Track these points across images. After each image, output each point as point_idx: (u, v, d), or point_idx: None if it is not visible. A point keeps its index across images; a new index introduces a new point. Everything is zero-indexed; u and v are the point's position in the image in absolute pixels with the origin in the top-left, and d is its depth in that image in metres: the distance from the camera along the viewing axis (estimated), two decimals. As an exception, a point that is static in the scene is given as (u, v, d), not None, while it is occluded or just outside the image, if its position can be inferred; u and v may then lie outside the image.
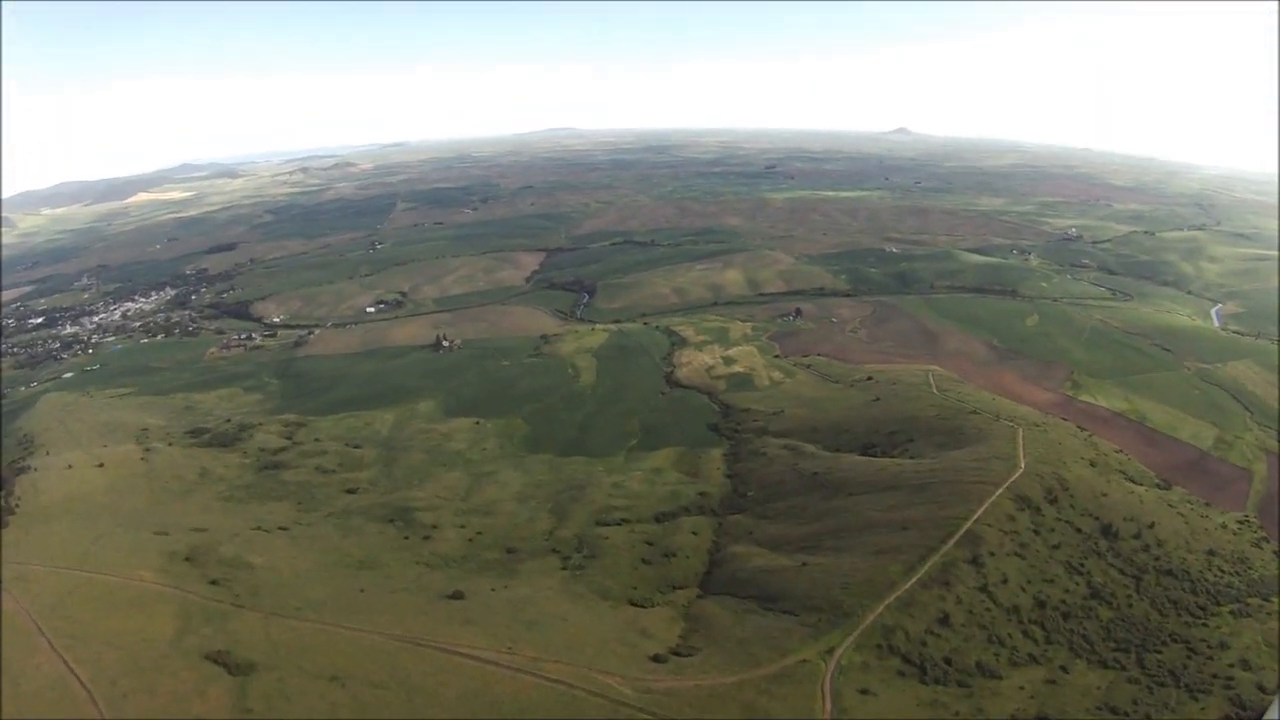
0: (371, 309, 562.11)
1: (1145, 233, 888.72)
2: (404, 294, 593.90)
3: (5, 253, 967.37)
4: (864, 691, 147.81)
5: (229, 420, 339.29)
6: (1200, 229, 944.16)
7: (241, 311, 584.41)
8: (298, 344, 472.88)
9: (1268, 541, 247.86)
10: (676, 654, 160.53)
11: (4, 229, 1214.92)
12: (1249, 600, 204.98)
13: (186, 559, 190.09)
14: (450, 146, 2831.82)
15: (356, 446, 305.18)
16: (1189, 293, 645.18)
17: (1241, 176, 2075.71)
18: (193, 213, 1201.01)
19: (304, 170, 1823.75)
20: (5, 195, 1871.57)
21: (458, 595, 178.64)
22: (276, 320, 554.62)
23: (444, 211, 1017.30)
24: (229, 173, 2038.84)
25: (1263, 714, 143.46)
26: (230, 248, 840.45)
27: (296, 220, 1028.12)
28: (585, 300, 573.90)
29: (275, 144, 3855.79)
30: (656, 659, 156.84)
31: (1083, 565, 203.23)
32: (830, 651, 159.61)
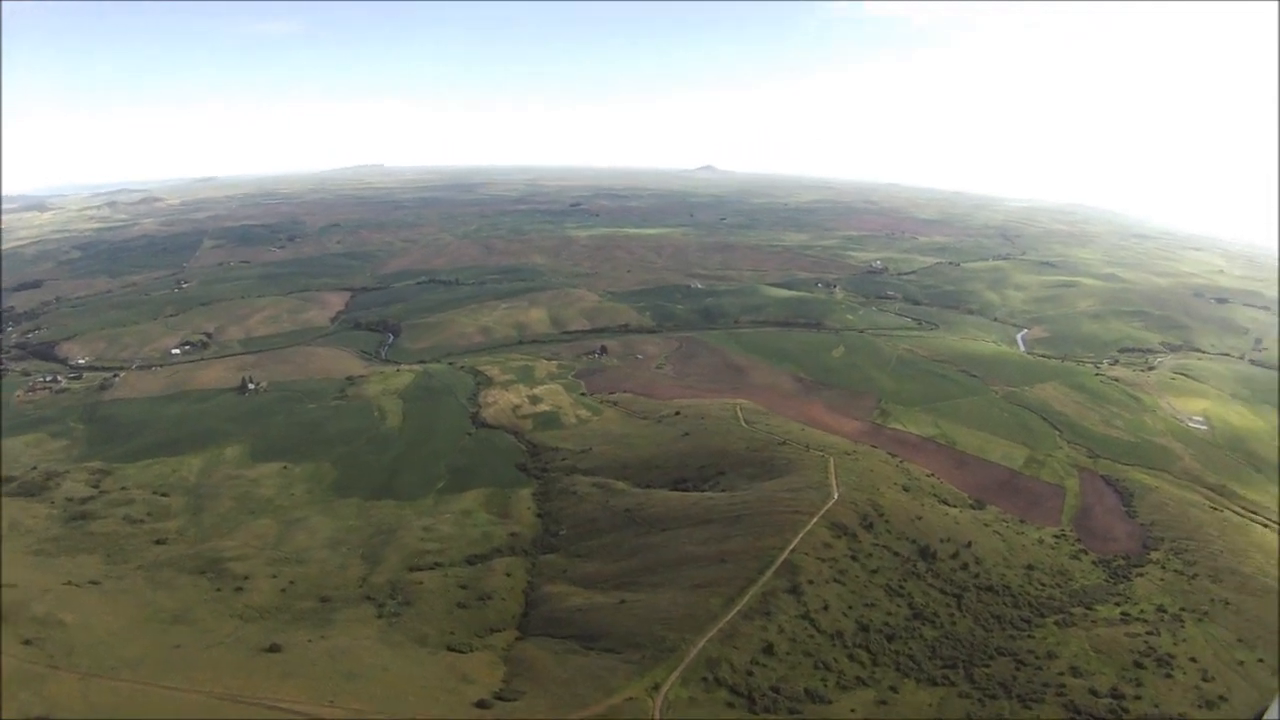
0: (177, 350, 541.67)
1: (950, 264, 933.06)
2: (210, 335, 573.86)
3: None
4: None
5: (35, 468, 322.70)
6: (1005, 259, 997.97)
7: (47, 352, 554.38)
8: (103, 387, 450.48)
9: (1086, 553, 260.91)
10: (501, 699, 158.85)
11: None
12: (1072, 610, 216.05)
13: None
14: (258, 182, 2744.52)
15: (164, 494, 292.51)
16: (994, 320, 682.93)
17: (1045, 207, 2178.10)
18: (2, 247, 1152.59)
19: (111, 205, 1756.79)
20: None
21: (275, 648, 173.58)
22: (82, 361, 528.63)
23: (251, 249, 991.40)
24: (39, 205, 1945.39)
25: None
26: (36, 285, 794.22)
27: (103, 257, 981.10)
28: (390, 341, 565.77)
29: (85, 176, 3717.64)
30: (481, 705, 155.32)
31: (903, 587, 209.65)
32: (656, 687, 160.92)
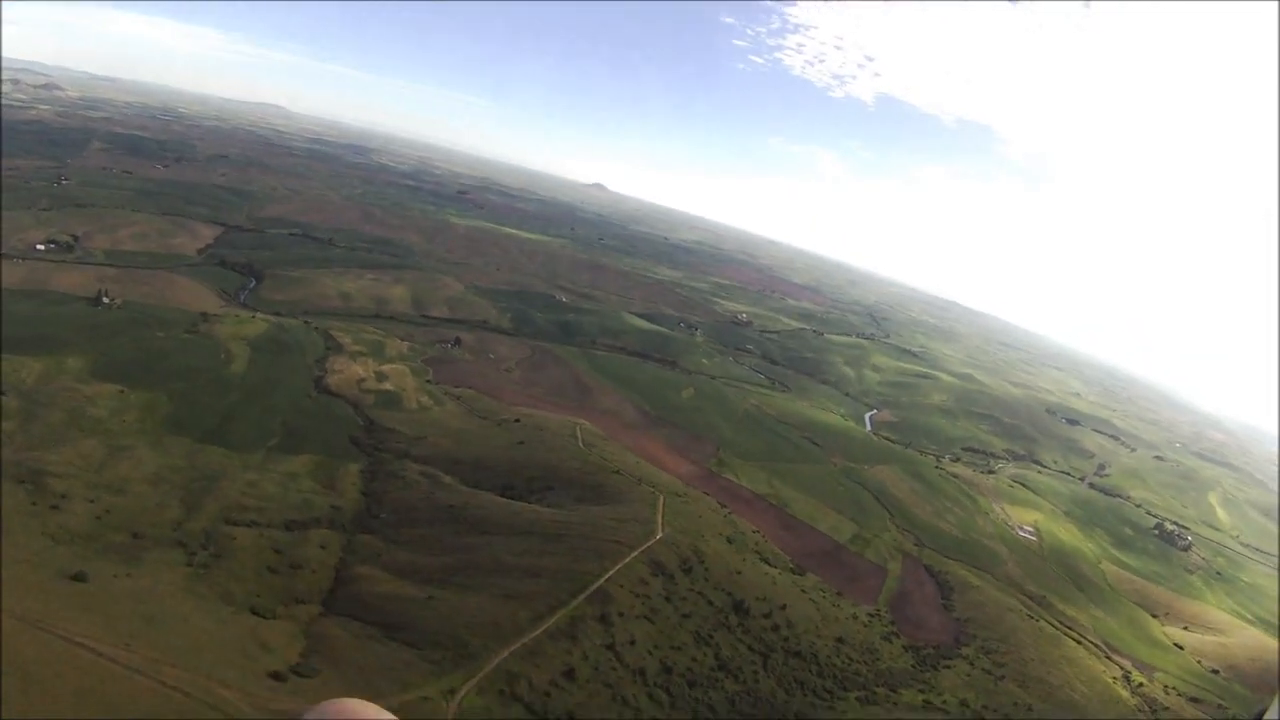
0: (41, 246, 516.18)
1: (814, 331, 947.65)
2: (77, 238, 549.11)
3: None
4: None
5: None
6: (869, 338, 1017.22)
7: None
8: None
9: (897, 636, 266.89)
10: (296, 673, 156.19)
11: None
12: (876, 689, 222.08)
13: None
14: (159, 93, 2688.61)
15: (1, 392, 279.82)
16: (847, 395, 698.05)
17: (919, 297, 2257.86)
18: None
19: (14, 83, 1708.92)
20: None
21: (80, 577, 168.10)
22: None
23: (136, 161, 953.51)
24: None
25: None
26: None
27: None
28: (252, 285, 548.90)
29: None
30: (276, 676, 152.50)
31: (712, 637, 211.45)
32: (452, 692, 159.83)
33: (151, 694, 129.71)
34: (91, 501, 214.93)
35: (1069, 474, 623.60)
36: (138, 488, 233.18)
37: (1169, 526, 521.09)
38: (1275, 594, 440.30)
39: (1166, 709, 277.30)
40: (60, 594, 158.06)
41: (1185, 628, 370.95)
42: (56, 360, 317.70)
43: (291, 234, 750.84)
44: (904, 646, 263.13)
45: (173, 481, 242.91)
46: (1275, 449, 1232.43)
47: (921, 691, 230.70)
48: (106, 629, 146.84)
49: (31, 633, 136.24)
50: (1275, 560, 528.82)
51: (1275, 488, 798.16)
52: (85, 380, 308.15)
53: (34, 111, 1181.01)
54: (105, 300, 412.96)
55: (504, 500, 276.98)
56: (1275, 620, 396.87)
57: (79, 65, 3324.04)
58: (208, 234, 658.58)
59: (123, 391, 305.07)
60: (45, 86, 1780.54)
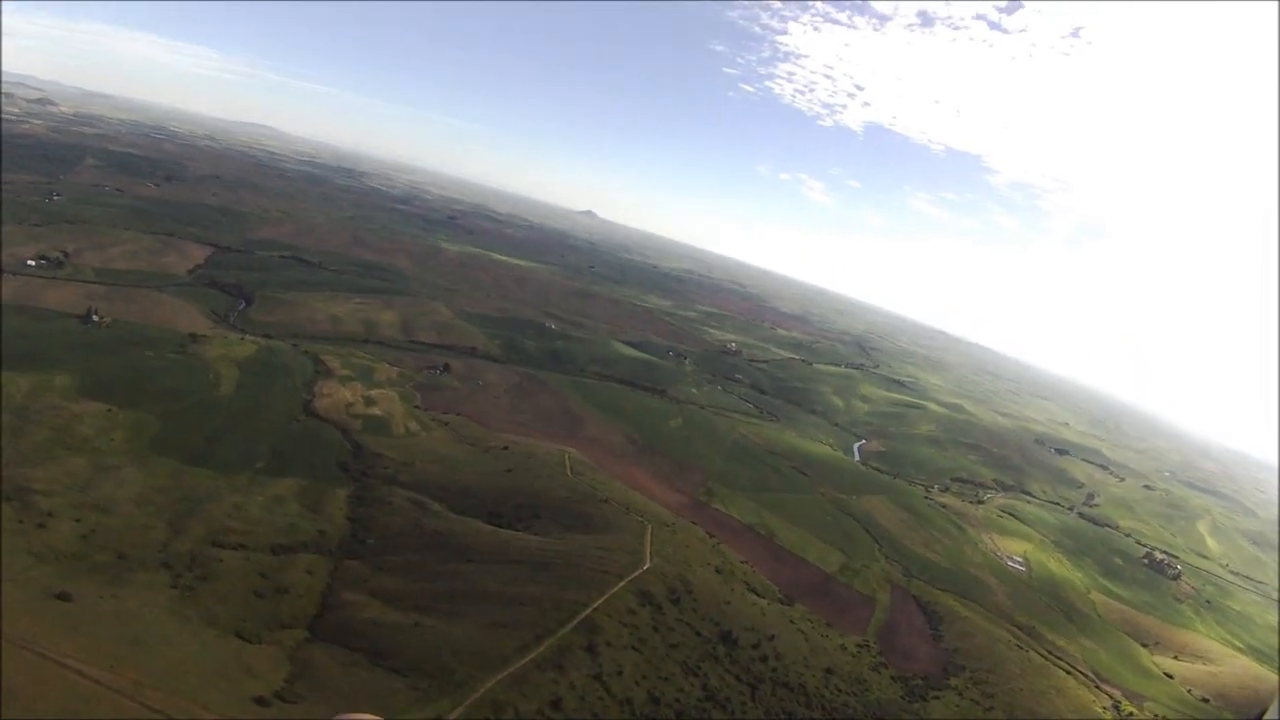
0: (32, 262, 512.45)
1: (803, 361, 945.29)
2: (67, 254, 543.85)
3: None
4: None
5: None
6: (858, 368, 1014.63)
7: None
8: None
9: (886, 667, 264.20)
10: (281, 698, 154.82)
11: None
12: None
13: None
14: (152, 111, 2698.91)
15: None
16: (836, 425, 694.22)
17: (907, 327, 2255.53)
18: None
19: (9, 97, 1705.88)
20: None
21: (65, 596, 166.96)
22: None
23: (129, 179, 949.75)
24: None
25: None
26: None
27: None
28: (241, 307, 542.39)
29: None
30: (260, 701, 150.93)
31: (700, 667, 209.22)
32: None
33: (135, 717, 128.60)
34: (77, 520, 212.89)
35: (1058, 504, 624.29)
36: (124, 508, 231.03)
37: (1158, 556, 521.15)
38: (1265, 622, 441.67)
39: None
40: (45, 614, 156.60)
41: (1175, 657, 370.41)
42: (45, 377, 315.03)
43: (282, 256, 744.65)
44: (893, 677, 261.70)
45: (159, 502, 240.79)
46: (1262, 475, 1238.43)
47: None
48: (91, 650, 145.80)
49: (15, 653, 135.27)
50: (1265, 588, 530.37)
51: (1264, 515, 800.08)
52: (73, 398, 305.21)
53: (27, 126, 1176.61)
54: (95, 318, 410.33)
55: (491, 528, 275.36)
56: (1265, 648, 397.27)
57: (73, 81, 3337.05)
58: (198, 254, 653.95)
59: (110, 410, 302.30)
60: (39, 101, 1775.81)
